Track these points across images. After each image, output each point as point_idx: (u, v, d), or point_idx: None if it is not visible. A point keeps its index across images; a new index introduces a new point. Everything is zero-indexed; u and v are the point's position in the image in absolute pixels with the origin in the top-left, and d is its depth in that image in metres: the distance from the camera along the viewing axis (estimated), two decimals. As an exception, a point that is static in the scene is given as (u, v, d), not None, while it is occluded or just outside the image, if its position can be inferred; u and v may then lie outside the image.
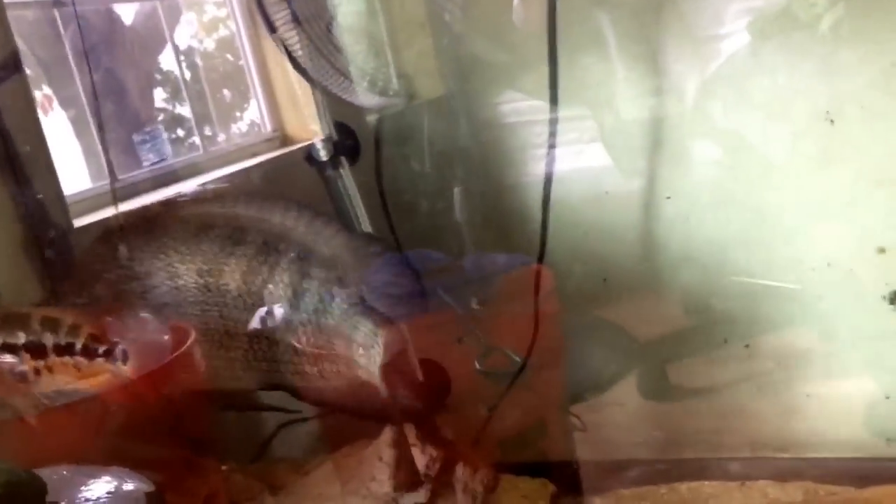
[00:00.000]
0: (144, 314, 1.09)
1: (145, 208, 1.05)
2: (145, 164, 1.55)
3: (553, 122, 0.95)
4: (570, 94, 1.17)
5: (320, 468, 0.91)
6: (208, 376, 0.86)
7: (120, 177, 1.43)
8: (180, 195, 1.33)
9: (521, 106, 1.23)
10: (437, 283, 0.99)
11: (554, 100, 0.95)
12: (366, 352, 0.86)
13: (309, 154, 0.96)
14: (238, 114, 1.73)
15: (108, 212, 1.28)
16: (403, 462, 0.83)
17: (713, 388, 1.17)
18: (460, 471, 0.84)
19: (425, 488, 0.82)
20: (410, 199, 1.09)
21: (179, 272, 0.86)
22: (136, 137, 1.61)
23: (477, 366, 1.02)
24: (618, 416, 1.27)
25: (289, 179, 1.39)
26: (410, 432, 0.85)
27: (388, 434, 0.86)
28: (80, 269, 0.92)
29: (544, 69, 1.08)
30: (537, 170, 1.12)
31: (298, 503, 0.86)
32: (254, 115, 1.68)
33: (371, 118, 1.12)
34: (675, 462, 1.02)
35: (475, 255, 1.09)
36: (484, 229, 1.19)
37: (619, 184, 1.09)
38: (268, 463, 0.94)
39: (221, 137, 1.68)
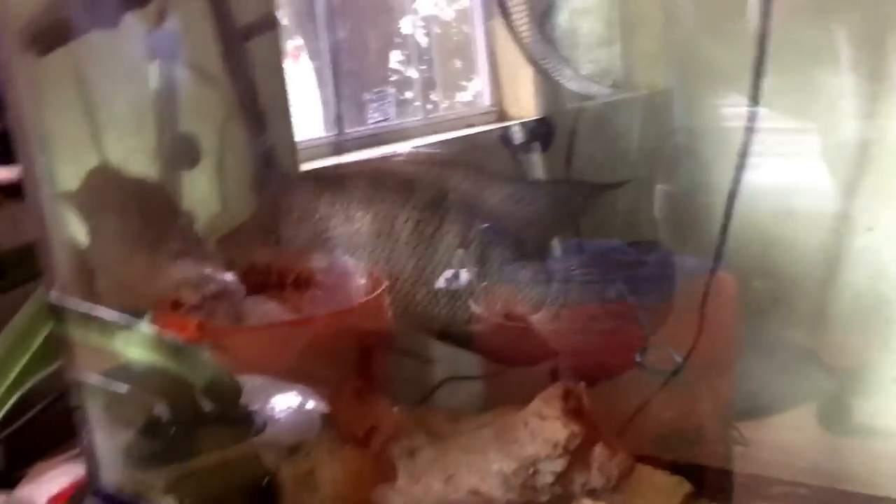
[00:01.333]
0: (343, 258, 1.21)
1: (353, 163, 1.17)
2: (370, 121, 1.70)
3: (749, 132, 0.94)
4: (790, 107, 1.14)
5: (471, 423, 0.99)
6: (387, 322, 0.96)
7: (346, 130, 1.58)
8: (393, 154, 1.45)
9: (740, 111, 1.22)
10: (617, 273, 1.03)
11: (754, 106, 0.94)
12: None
13: (504, 135, 1.02)
14: (462, 84, 1.82)
15: (332, 160, 1.44)
16: (546, 432, 0.89)
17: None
18: (599, 450, 0.88)
19: (563, 459, 0.88)
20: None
21: (359, 218, 0.95)
22: (367, 96, 1.76)
23: (637, 359, 1.05)
24: (788, 440, 1.25)
25: (496, 154, 1.48)
26: (557, 406, 0.91)
27: (535, 404, 0.92)
28: (287, 212, 1.05)
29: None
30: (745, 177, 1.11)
31: (446, 450, 0.94)
32: (475, 89, 1.77)
33: (571, 106, 1.16)
34: (839, 493, 0.99)
35: (661, 254, 1.11)
36: (667, 230, 1.20)
37: (814, 205, 1.06)
38: (428, 410, 1.04)
39: (443, 105, 1.79)
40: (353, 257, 0.97)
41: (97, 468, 0.93)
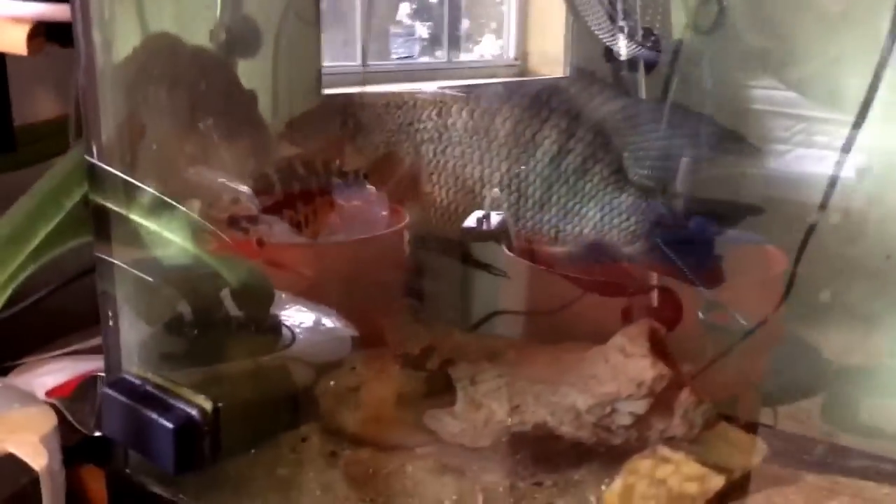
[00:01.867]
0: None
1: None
2: (393, 56, 1.62)
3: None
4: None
5: (536, 353, 0.91)
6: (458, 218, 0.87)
7: (370, 62, 1.51)
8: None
9: (775, 95, 1.14)
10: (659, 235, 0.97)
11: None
12: (615, 227, 0.84)
13: (608, 50, 0.92)
14: (487, 33, 1.74)
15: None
16: (629, 370, 0.81)
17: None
18: (685, 396, 0.81)
19: (646, 401, 0.80)
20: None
21: (453, 112, 0.86)
22: (392, 30, 1.68)
23: (700, 315, 0.98)
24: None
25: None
26: (642, 344, 0.83)
27: (618, 339, 0.84)
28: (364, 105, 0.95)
29: (816, 66, 1.01)
30: (770, 163, 1.04)
31: (512, 378, 0.86)
32: (501, 39, 1.68)
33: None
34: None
35: (702, 219, 1.03)
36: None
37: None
38: (490, 336, 0.96)
39: (466, 51, 1.71)
40: (440, 156, 0.87)
41: (118, 359, 0.83)
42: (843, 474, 0.87)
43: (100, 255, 0.79)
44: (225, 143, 0.96)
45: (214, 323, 0.95)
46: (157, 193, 0.78)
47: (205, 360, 0.92)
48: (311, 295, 1.07)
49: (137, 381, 0.79)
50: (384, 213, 1.18)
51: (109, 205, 0.77)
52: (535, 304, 1.09)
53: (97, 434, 0.95)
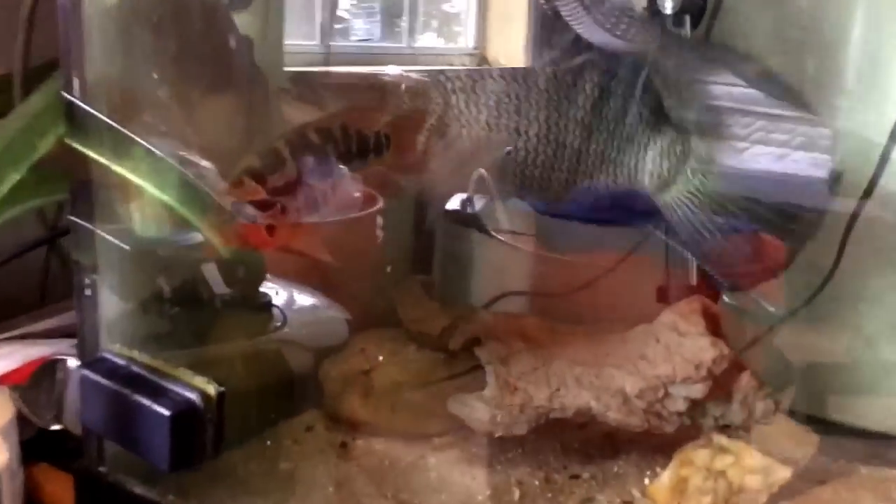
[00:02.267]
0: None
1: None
2: (352, 37, 1.54)
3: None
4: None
5: (571, 333, 0.82)
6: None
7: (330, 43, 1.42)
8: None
9: (734, 92, 1.09)
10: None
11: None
12: (647, 172, 0.77)
13: (652, 4, 0.84)
14: (447, 22, 1.69)
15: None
16: (685, 350, 0.73)
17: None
18: (745, 380, 0.73)
19: (704, 384, 0.72)
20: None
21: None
22: (353, 9, 1.59)
23: (726, 299, 0.91)
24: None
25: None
26: (698, 321, 0.75)
27: (668, 317, 0.75)
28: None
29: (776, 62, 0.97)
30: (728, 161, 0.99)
31: (548, 358, 0.77)
32: (461, 28, 1.63)
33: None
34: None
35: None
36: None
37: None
38: (519, 315, 0.86)
39: (424, 38, 1.65)
40: (472, 108, 0.77)
41: (95, 336, 0.71)
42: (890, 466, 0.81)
43: (75, 218, 0.67)
44: (211, 97, 0.85)
45: (200, 300, 0.83)
46: (149, 147, 0.66)
47: (189, 342, 0.81)
48: (301, 276, 0.96)
49: (121, 361, 0.67)
50: (357, 194, 1.08)
51: (90, 153, 0.65)
52: (545, 285, 1.01)
53: (56, 427, 0.83)
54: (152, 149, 0.67)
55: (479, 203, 0.94)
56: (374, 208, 1.00)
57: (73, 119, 0.64)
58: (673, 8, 0.83)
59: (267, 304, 0.92)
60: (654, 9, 0.85)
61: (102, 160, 0.66)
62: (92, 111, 0.63)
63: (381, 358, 0.84)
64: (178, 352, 0.76)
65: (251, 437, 0.80)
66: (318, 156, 0.74)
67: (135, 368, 0.66)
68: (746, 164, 1.14)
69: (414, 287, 0.88)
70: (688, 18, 0.84)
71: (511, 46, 1.46)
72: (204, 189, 0.69)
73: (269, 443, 0.80)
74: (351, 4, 1.57)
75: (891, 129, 0.86)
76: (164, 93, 0.74)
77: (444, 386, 0.81)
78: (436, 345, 0.84)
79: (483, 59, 1.58)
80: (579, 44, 0.76)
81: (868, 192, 0.86)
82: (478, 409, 0.76)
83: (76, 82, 0.62)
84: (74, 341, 0.83)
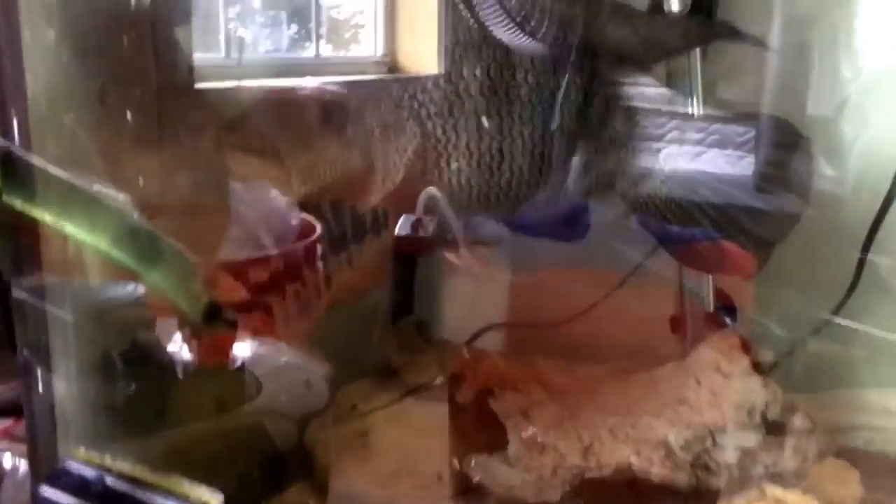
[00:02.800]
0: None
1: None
2: (260, 49, 1.45)
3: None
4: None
5: (594, 377, 0.74)
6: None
7: (233, 55, 1.32)
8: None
9: (648, 92, 1.07)
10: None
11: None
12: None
13: (655, 4, 0.77)
14: (353, 29, 1.60)
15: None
16: (733, 393, 0.67)
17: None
18: (799, 422, 0.67)
19: (757, 432, 0.66)
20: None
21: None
22: (260, 20, 1.50)
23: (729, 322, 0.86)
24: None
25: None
26: (741, 359, 0.68)
27: (708, 355, 0.69)
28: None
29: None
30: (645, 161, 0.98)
31: (575, 408, 0.69)
32: (368, 35, 1.56)
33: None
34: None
35: (641, 217, 0.94)
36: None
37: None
38: (530, 357, 0.77)
39: (331, 46, 1.57)
40: (451, 133, 0.68)
41: (53, 440, 0.56)
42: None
43: (20, 290, 0.52)
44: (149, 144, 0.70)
45: (159, 367, 0.70)
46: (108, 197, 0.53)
47: (151, 421, 0.67)
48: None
49: (91, 473, 0.54)
50: (294, 222, 0.97)
51: (36, 211, 0.51)
52: (531, 310, 0.93)
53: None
54: (113, 200, 0.53)
55: (429, 224, 0.85)
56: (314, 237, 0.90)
57: (12, 171, 0.49)
58: (681, 9, 0.77)
59: (238, 373, 0.78)
60: (656, 6, 0.78)
61: (47, 216, 0.52)
62: (38, 161, 0.49)
63: (377, 415, 0.73)
64: (138, 436, 0.64)
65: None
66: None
67: (110, 481, 0.53)
68: (664, 165, 1.11)
69: (407, 329, 0.78)
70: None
71: (422, 53, 1.42)
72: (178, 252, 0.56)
73: (256, 530, 0.68)
74: (256, 16, 1.47)
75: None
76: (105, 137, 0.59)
77: (455, 443, 0.71)
78: (441, 397, 0.74)
79: (393, 66, 1.52)
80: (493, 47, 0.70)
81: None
82: (504, 475, 0.67)
83: (15, 125, 0.48)
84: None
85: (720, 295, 0.80)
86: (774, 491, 0.66)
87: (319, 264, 0.89)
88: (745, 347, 0.69)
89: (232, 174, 0.72)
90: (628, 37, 0.77)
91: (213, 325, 0.61)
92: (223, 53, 1.31)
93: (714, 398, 0.66)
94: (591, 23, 0.76)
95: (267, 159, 0.71)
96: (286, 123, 0.77)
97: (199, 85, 1.09)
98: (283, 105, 0.82)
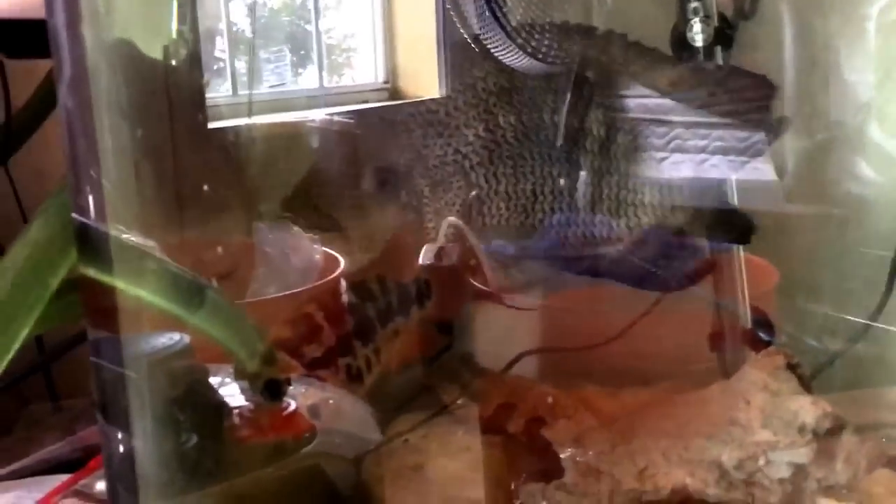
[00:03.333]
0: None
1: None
2: (265, 84, 1.45)
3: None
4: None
5: (641, 401, 0.76)
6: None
7: (241, 92, 1.32)
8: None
9: (648, 103, 1.09)
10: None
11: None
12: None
13: (679, 37, 0.78)
14: (354, 57, 1.61)
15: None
16: (783, 411, 0.68)
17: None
18: (848, 436, 0.69)
19: (810, 448, 0.68)
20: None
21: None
22: (263, 55, 1.50)
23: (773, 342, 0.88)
24: None
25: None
26: (788, 377, 0.70)
27: (753, 374, 0.70)
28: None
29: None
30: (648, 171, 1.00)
31: (626, 432, 0.70)
32: (369, 62, 1.57)
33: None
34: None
35: (649, 230, 0.95)
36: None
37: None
38: (577, 383, 0.79)
39: (336, 77, 1.58)
40: (490, 180, 0.70)
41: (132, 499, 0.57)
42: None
43: (98, 359, 0.53)
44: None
45: (215, 412, 0.71)
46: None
47: (212, 470, 0.68)
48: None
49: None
50: (318, 257, 0.98)
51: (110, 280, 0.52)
52: (565, 338, 0.94)
53: None
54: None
55: (453, 253, 0.87)
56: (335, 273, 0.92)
57: (88, 245, 0.51)
58: (705, 40, 0.78)
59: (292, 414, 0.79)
60: (678, 41, 0.80)
61: (123, 286, 0.53)
62: (115, 234, 0.50)
63: (430, 448, 0.75)
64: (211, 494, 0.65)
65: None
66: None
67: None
68: (668, 173, 1.13)
69: (452, 362, 0.80)
70: (719, 50, 0.80)
71: (423, 78, 1.42)
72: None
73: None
74: (259, 50, 1.48)
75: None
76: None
77: (507, 475, 0.73)
78: (492, 427, 0.75)
79: (395, 93, 1.53)
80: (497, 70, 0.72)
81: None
82: (560, 501, 0.69)
83: (91, 196, 0.49)
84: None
85: (755, 310, 0.82)
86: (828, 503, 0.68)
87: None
88: (792, 365, 0.71)
89: (295, 251, 0.74)
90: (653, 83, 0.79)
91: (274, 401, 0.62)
92: (230, 91, 1.33)
93: (764, 417, 0.68)
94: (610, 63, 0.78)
95: (329, 232, 0.73)
96: (341, 193, 0.79)
97: (213, 124, 1.11)
98: (337, 174, 0.84)
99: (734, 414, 0.69)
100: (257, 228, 0.97)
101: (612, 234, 0.88)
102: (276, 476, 0.70)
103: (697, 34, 0.78)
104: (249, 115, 1.23)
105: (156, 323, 0.60)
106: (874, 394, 0.92)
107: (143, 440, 0.59)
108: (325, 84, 1.54)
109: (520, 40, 0.83)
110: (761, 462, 0.68)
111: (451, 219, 0.86)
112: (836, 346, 0.87)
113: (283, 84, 1.47)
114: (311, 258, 1.00)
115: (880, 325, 0.82)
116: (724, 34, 0.79)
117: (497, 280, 0.87)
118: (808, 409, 0.67)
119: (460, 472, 0.74)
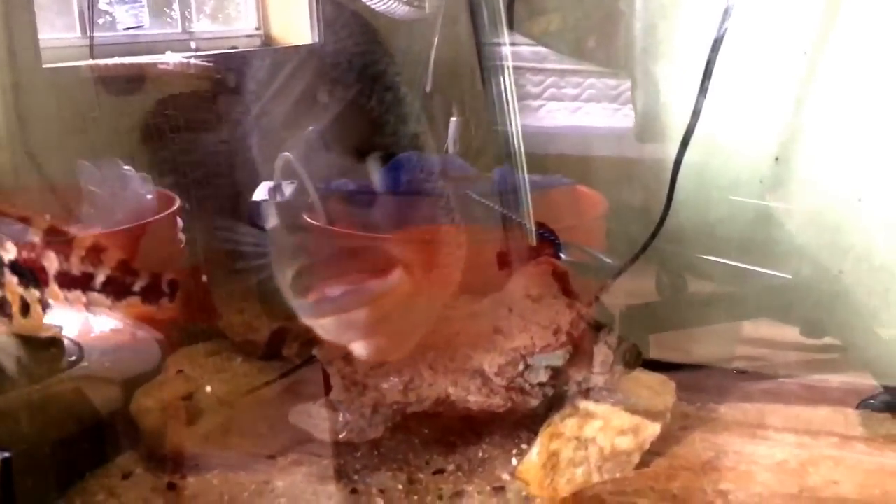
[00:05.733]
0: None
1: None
2: (120, 26, 1.42)
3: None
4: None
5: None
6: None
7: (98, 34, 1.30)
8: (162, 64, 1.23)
9: (523, 51, 1.12)
10: (463, 189, 0.90)
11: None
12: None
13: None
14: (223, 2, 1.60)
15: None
16: (541, 316, 0.69)
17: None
18: (604, 338, 0.70)
19: (564, 350, 0.68)
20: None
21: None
22: None
23: (563, 256, 0.89)
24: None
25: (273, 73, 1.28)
26: (551, 283, 0.71)
27: (519, 282, 0.71)
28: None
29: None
30: (526, 119, 1.02)
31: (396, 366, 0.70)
32: (239, 8, 1.56)
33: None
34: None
35: (503, 169, 0.97)
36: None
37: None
38: None
39: (200, 20, 1.56)
40: None
41: None
42: (743, 400, 0.82)
43: None
44: None
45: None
46: None
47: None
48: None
49: None
50: (149, 196, 0.97)
51: None
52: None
53: None
54: None
55: (287, 189, 0.87)
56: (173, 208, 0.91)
57: None
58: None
59: (53, 340, 0.78)
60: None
61: None
62: None
63: (204, 377, 0.73)
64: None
65: (57, 498, 0.67)
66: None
67: None
68: (543, 122, 1.15)
69: (235, 293, 0.79)
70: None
71: (295, 25, 1.44)
72: None
73: (78, 500, 0.67)
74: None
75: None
76: None
77: (282, 398, 0.72)
78: (268, 353, 0.74)
79: (267, 39, 1.52)
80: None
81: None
82: (325, 417, 0.68)
83: None
84: None
85: (540, 225, 0.82)
86: (587, 405, 0.68)
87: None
88: (559, 273, 0.72)
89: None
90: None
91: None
92: (78, 33, 1.29)
93: (524, 323, 0.68)
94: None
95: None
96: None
97: (47, 65, 1.08)
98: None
99: (498, 322, 0.69)
100: (82, 166, 0.95)
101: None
102: (27, 401, 0.68)
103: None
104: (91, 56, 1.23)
105: None
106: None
107: None
108: (191, 29, 1.51)
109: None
110: (521, 367, 0.68)
111: (286, 154, 0.85)
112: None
113: (140, 27, 1.44)
114: (140, 196, 0.98)
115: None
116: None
117: (329, 214, 0.87)
118: (563, 312, 0.68)
119: (231, 397, 0.72)
